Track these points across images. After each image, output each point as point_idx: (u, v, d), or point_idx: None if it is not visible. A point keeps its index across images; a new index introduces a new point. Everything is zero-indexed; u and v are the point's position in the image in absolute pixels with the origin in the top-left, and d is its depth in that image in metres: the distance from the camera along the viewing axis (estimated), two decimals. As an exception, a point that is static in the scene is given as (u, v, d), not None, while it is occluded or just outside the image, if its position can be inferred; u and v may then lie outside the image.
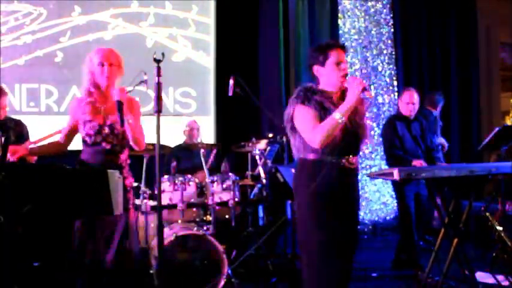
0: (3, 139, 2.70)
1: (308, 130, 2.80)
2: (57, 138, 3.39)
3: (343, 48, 2.90)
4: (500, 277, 4.06)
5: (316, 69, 2.91)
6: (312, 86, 2.93)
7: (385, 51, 7.24)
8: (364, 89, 2.75)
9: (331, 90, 2.90)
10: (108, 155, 3.12)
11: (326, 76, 2.87)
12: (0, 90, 4.23)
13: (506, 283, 3.99)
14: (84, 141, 3.19)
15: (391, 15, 7.31)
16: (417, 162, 4.52)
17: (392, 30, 7.31)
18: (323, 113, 2.80)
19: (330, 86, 2.89)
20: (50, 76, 5.93)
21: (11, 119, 4.41)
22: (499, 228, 4.28)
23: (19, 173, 2.48)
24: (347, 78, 2.85)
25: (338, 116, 2.72)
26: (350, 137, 2.86)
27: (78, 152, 3.22)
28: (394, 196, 5.65)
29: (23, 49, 5.81)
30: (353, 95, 2.74)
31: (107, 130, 3.11)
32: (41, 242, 3.97)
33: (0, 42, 5.67)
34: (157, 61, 2.65)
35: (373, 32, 7.17)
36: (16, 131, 4.30)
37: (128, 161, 3.27)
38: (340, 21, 6.89)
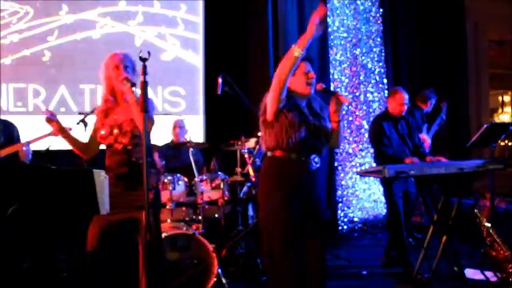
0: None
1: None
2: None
3: (310, 60, 3.11)
4: (488, 273, 4.08)
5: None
6: None
7: (374, 49, 7.25)
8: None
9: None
10: (121, 155, 3.13)
11: (296, 84, 3.05)
12: None
13: (494, 279, 4.01)
14: (106, 147, 3.25)
15: (380, 13, 7.32)
16: (409, 160, 4.48)
17: (381, 28, 7.32)
18: (294, 108, 3.00)
19: (299, 94, 3.08)
20: (37, 76, 5.87)
21: (0, 120, 4.33)
22: (488, 224, 4.30)
23: (5, 172, 2.46)
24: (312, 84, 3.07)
25: (297, 51, 2.80)
26: (315, 138, 3.03)
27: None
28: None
29: (10, 48, 5.74)
30: (310, 27, 2.75)
31: (116, 130, 3.13)
32: (28, 243, 3.94)
33: (-14, 42, 5.61)
34: (143, 60, 2.64)
35: (362, 29, 7.17)
36: (6, 133, 4.23)
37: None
38: (329, 19, 6.87)
